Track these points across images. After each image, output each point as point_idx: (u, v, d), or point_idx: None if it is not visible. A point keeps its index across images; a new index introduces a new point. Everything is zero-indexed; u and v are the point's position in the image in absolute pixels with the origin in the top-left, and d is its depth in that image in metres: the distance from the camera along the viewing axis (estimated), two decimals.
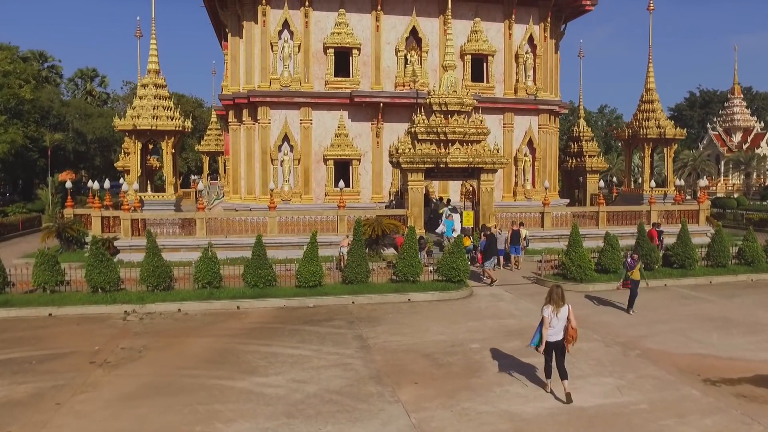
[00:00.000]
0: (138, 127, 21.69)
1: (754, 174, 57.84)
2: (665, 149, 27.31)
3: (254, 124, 26.28)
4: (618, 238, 18.06)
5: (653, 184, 25.38)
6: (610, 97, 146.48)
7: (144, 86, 22.62)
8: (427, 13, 27.18)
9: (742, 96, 67.83)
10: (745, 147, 64.88)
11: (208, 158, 43.00)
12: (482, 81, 27.90)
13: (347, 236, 20.04)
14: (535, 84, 28.34)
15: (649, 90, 27.60)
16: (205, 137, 42.34)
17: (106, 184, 26.03)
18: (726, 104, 68.62)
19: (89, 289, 14.59)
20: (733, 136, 66.44)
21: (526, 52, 28.27)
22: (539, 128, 28.82)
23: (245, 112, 26.32)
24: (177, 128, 22.15)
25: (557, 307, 8.53)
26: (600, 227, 23.83)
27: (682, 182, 27.76)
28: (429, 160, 21.06)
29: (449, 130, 21.13)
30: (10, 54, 39.45)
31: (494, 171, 21.97)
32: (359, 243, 15.88)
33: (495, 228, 19.96)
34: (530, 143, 28.66)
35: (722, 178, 65.75)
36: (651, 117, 26.98)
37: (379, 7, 26.41)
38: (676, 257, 18.09)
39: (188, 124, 23.08)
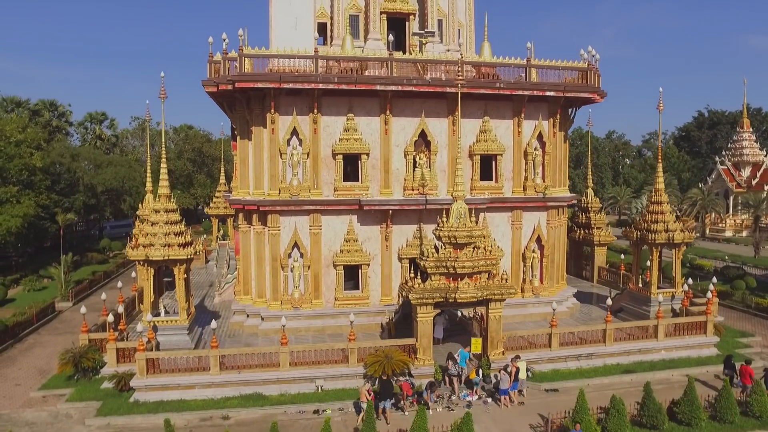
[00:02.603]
0: (151, 258, 21.95)
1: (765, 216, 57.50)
2: (674, 250, 27.35)
3: (264, 229, 26.50)
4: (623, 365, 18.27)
5: (660, 299, 25.43)
6: (616, 112, 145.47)
7: (156, 211, 22.85)
8: (436, 114, 27.21)
9: (751, 129, 67.44)
10: (754, 182, 64.63)
11: (217, 220, 43.22)
12: (491, 179, 27.96)
13: (366, 382, 20.40)
14: (544, 181, 28.38)
15: (658, 191, 27.63)
16: (214, 200, 42.56)
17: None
18: (735, 137, 68.26)
19: None
20: (742, 170, 66.20)
21: (535, 149, 28.27)
22: (548, 223, 28.90)
23: (255, 217, 26.55)
24: (189, 256, 22.40)
25: None
26: (607, 344, 24.09)
27: (690, 282, 27.78)
28: (438, 295, 21.31)
29: (459, 264, 21.32)
30: (21, 121, 39.75)
31: (503, 299, 22.20)
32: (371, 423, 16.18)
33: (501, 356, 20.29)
34: (539, 240, 28.76)
35: (731, 213, 65.58)
36: (660, 220, 27.02)
37: (387, 111, 26.45)
38: (683, 414, 18.28)
39: (199, 247, 23.32)
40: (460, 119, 24.85)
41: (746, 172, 65.70)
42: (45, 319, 31.06)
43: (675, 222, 27.14)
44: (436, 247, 22.69)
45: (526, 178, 28.25)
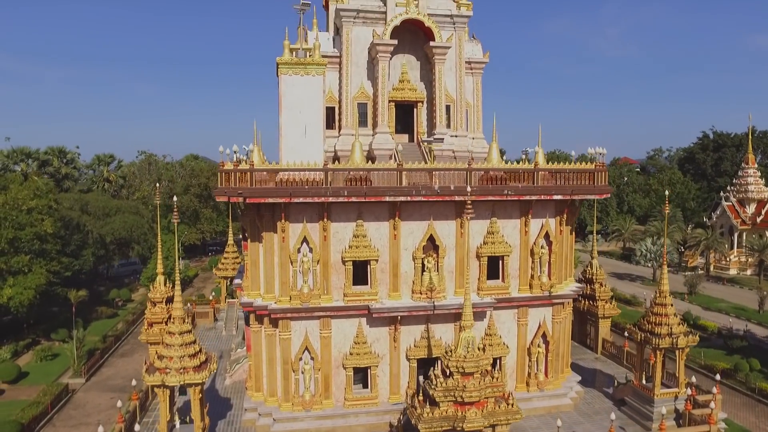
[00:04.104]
0: (167, 384, 22.51)
1: None
2: (677, 352, 27.75)
3: (274, 331, 27.03)
4: None
5: (664, 410, 25.89)
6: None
7: (170, 333, 23.37)
8: (444, 216, 27.55)
9: (756, 166, 67.50)
10: (759, 220, 64.85)
11: (225, 281, 43.75)
12: (497, 278, 28.37)
13: None
14: (550, 278, 28.78)
15: (662, 293, 27.98)
16: (222, 261, 43.03)
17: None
18: (740, 173, 68.31)
19: None
20: (747, 207, 66.35)
21: (542, 247, 28.62)
22: (553, 319, 29.36)
23: (266, 319, 27.05)
24: (203, 380, 22.93)
25: None
26: None
27: (694, 381, 28.24)
28: (447, 424, 21.85)
29: (467, 394, 21.81)
30: (33, 187, 40.19)
31: (509, 424, 22.72)
32: None
33: None
34: (544, 336, 29.22)
35: (735, 250, 65.89)
36: (663, 322, 27.39)
37: (396, 217, 26.83)
38: None
39: (213, 366, 23.88)
40: (468, 226, 25.13)
41: (751, 209, 65.85)
42: (60, 404, 31.70)
43: (679, 324, 27.51)
44: (443, 370, 23.13)
45: (532, 277, 28.65)
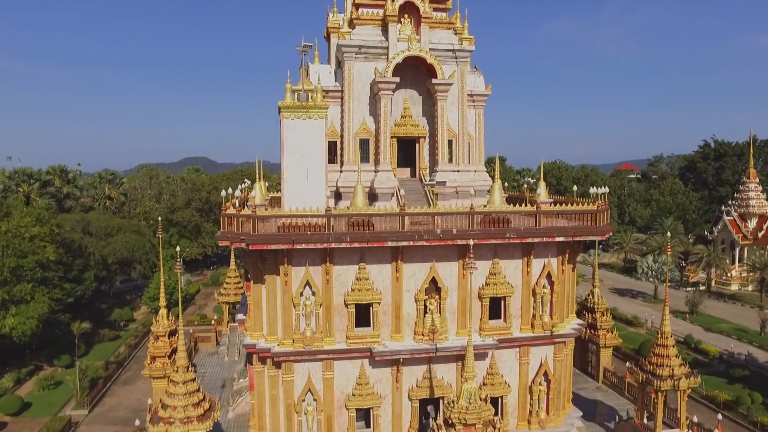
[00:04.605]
0: None
1: None
2: (678, 393, 27.84)
3: (277, 372, 27.12)
4: None
5: None
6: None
7: (174, 383, 23.46)
8: (446, 258, 27.59)
9: (757, 180, 67.48)
10: (760, 235, 64.89)
11: (228, 306, 43.84)
12: (499, 317, 28.45)
13: None
14: (552, 318, 28.85)
15: (664, 333, 28.04)
16: (224, 286, 43.11)
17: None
18: (741, 188, 68.30)
19: None
20: (749, 222, 66.39)
21: (544, 287, 28.66)
22: (554, 357, 29.43)
23: (269, 361, 27.14)
24: (208, 429, 23.06)
25: None
26: None
27: (696, 420, 28.35)
28: None
29: None
30: (35, 213, 40.23)
31: None
32: None
33: None
34: (545, 374, 29.31)
35: (737, 265, 65.94)
36: (665, 364, 27.46)
37: (399, 260, 26.89)
38: None
39: (217, 414, 23.99)
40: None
41: (752, 224, 65.88)
42: None
43: (681, 366, 27.58)
44: (445, 420, 23.23)
45: (534, 316, 28.71)
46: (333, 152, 32.26)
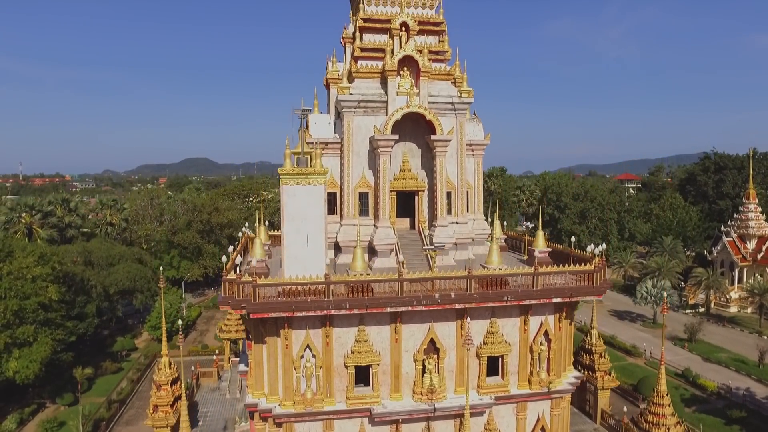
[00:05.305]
0: None
1: None
2: None
3: (279, 431, 27.54)
4: None
5: None
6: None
7: None
8: (444, 318, 27.94)
9: (756, 201, 67.61)
10: (759, 256, 65.10)
11: (229, 342, 44.21)
12: (497, 374, 28.82)
13: None
14: (549, 375, 29.19)
15: (660, 393, 28.41)
16: (225, 322, 43.46)
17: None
18: (741, 208, 68.44)
19: None
20: (748, 243, 66.59)
21: (541, 344, 29.01)
22: (551, 412, 29.81)
23: (270, 420, 27.55)
24: None
25: None
26: None
27: None
28: None
29: None
30: (37, 253, 40.52)
31: None
32: None
33: None
34: (543, 429, 29.68)
35: (736, 286, 66.17)
36: (661, 423, 27.88)
37: (398, 321, 27.23)
38: None
39: None
40: (468, 328, 25.53)
41: (752, 245, 66.10)
42: None
43: (676, 425, 27.97)
44: None
45: (531, 373, 29.07)
46: (333, 204, 32.46)
